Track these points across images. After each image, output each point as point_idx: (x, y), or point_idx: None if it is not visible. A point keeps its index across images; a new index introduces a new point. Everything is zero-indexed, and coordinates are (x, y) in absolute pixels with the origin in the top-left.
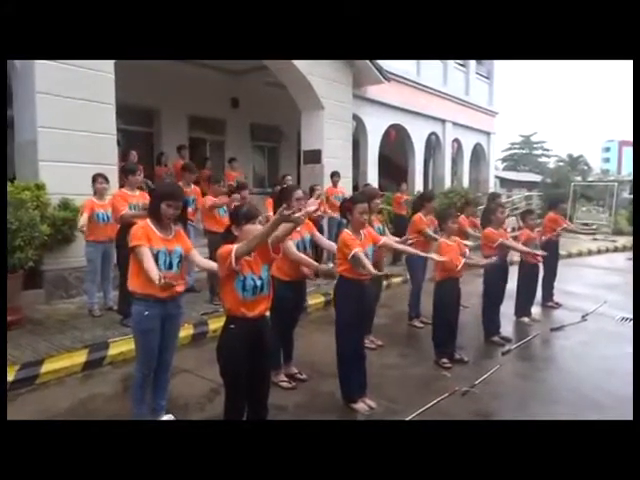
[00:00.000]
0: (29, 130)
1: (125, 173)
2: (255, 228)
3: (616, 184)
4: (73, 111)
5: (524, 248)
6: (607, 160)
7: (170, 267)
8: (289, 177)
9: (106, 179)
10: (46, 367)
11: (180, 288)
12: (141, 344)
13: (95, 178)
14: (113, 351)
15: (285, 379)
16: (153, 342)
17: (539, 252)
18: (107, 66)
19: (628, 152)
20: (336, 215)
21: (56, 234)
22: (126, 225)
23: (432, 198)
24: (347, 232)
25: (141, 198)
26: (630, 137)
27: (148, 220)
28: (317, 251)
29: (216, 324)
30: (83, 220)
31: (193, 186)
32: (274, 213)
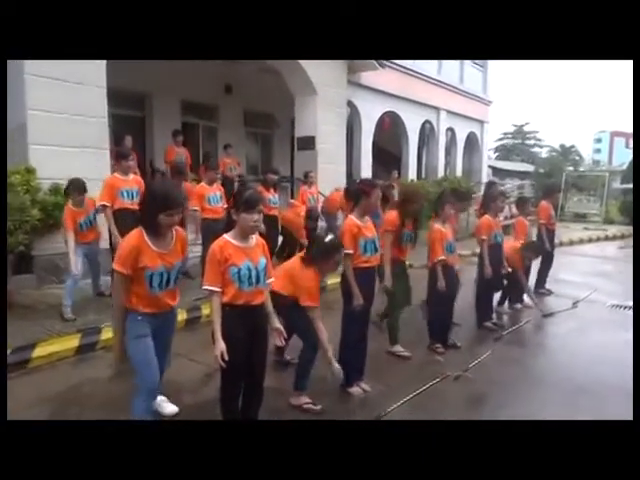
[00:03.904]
0: (19, 113)
1: (117, 158)
2: (251, 218)
3: (607, 174)
4: (63, 94)
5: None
6: (599, 151)
7: (167, 284)
8: (312, 174)
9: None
10: (38, 351)
11: (174, 302)
12: (138, 351)
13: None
14: (106, 335)
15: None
16: (149, 347)
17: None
18: None
19: (619, 143)
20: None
21: (47, 219)
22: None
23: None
24: (351, 218)
25: (134, 183)
26: (622, 128)
27: (143, 231)
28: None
29: (210, 309)
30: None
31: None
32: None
